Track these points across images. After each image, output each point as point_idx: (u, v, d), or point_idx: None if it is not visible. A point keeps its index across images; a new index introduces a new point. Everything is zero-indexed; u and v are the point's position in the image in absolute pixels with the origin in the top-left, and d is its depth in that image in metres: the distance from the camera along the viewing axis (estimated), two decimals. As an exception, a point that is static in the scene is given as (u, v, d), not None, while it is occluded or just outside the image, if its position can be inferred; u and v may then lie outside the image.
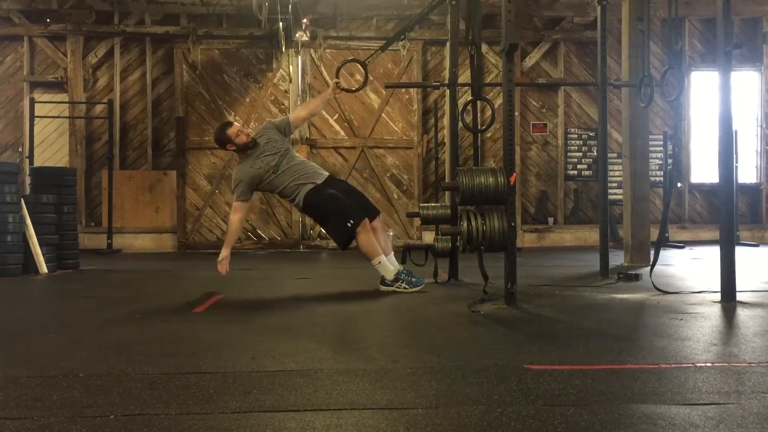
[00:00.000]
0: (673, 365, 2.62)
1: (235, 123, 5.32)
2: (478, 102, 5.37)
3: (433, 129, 10.77)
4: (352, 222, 4.95)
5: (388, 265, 5.02)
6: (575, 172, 11.18)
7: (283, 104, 10.67)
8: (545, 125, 11.19)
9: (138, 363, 2.73)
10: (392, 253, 5.23)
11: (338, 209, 5.02)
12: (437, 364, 2.66)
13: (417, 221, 10.23)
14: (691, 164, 11.25)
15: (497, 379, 2.41)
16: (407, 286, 4.93)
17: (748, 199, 11.22)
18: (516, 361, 2.70)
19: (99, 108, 10.66)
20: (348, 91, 5.81)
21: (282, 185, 5.11)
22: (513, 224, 4.21)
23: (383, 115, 10.76)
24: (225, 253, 5.19)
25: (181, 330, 3.54)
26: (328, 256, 9.49)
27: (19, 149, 10.49)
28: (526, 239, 10.81)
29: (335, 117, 10.70)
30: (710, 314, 3.85)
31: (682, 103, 10.70)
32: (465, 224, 4.27)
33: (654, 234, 6.61)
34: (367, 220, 5.01)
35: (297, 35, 10.27)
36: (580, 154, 11.19)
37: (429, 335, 3.37)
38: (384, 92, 10.65)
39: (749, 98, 11.32)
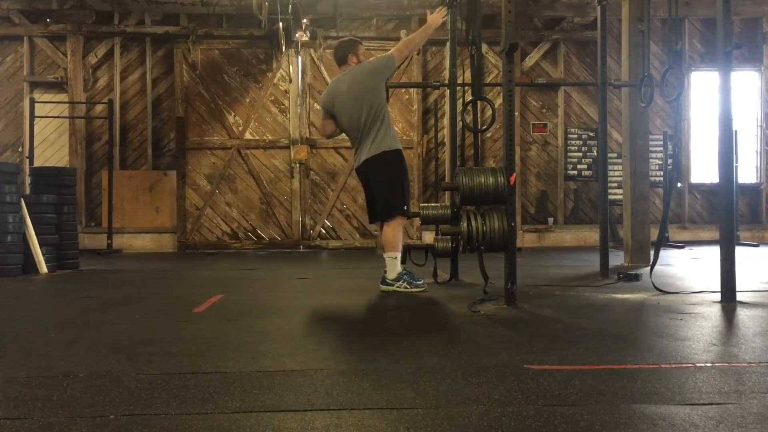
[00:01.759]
0: (673, 365, 2.62)
1: None
2: (478, 102, 5.37)
3: (433, 129, 10.77)
4: (406, 207, 5.00)
5: (398, 264, 5.01)
6: (575, 172, 11.18)
7: (283, 104, 10.67)
8: (545, 125, 11.18)
9: (138, 363, 2.72)
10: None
11: (406, 188, 5.06)
12: (437, 364, 2.66)
13: (417, 221, 10.22)
14: (691, 164, 11.25)
15: (497, 379, 2.41)
16: (408, 286, 4.93)
17: (748, 199, 11.21)
18: (516, 361, 2.70)
19: (99, 108, 10.66)
20: None
21: (387, 116, 5.05)
22: (513, 224, 4.21)
23: (383, 115, 10.75)
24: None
25: (181, 330, 3.54)
26: (328, 256, 9.50)
27: (19, 149, 10.49)
28: (526, 239, 10.81)
29: (335, 117, 10.68)
30: (710, 314, 3.85)
31: (682, 103, 10.70)
32: (465, 224, 4.27)
33: (654, 234, 6.61)
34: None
35: (297, 35, 10.27)
36: (580, 154, 11.18)
37: (429, 335, 3.37)
38: (384, 92, 10.63)
39: (749, 98, 11.32)
